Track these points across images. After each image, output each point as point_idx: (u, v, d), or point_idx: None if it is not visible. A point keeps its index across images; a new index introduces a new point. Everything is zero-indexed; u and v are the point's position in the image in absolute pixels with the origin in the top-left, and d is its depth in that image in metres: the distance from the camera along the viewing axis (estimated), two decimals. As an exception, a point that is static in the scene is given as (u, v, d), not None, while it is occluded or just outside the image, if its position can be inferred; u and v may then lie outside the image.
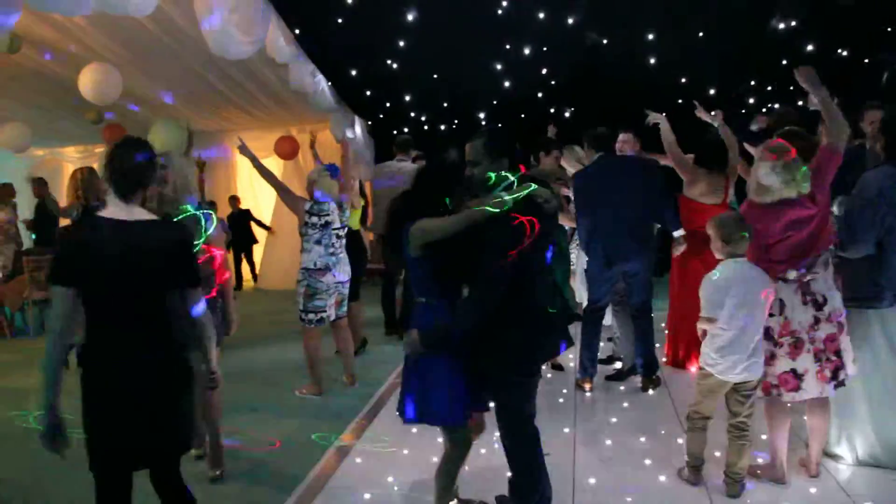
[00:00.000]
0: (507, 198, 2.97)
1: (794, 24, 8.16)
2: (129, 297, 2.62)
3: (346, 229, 5.87)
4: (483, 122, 10.74)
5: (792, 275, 3.66)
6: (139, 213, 2.71)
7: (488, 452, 4.26)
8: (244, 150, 5.71)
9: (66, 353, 2.63)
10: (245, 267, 12.81)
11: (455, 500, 3.62)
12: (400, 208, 3.23)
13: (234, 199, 12.22)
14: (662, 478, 3.99)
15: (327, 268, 5.61)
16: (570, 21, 8.19)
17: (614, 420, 4.96)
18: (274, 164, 11.72)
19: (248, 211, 12.32)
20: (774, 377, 3.72)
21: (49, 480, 4.23)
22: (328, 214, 5.61)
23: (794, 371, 3.67)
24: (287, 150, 10.97)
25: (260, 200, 12.66)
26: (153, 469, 2.84)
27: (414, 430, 4.75)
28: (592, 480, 3.99)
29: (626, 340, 5.85)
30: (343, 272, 5.77)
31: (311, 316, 5.62)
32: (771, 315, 3.69)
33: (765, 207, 3.67)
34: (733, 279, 3.60)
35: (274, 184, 5.74)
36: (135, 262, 2.60)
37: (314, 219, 5.57)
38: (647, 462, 4.22)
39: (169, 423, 2.73)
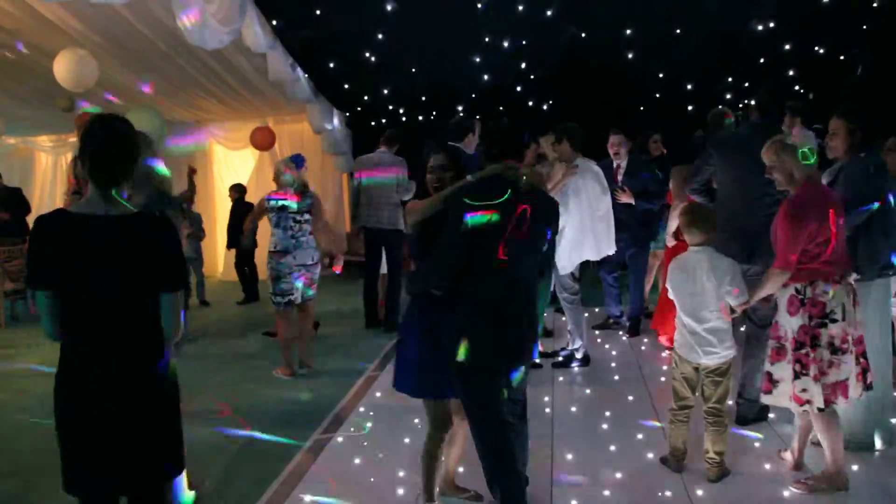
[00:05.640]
0: (469, 177, 3.28)
1: (771, 24, 8.22)
2: (108, 306, 2.31)
3: (308, 214, 5.98)
4: (461, 115, 10.73)
5: (853, 277, 3.64)
6: (119, 207, 2.34)
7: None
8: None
9: None
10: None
11: (452, 487, 3.68)
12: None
13: (239, 188, 10.19)
14: (638, 469, 4.02)
15: (286, 251, 5.86)
16: (549, 13, 8.21)
17: (590, 413, 4.97)
18: (250, 155, 11.63)
19: (251, 205, 9.62)
20: (831, 386, 3.54)
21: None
22: (284, 199, 5.90)
23: (848, 378, 3.56)
24: (263, 141, 10.88)
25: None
26: (129, 497, 2.52)
27: (393, 420, 4.75)
28: (569, 473, 4.00)
29: (576, 333, 6.01)
30: (306, 256, 5.93)
31: (278, 299, 5.93)
32: (834, 321, 3.54)
33: (813, 197, 3.60)
34: (682, 266, 3.83)
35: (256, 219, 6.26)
36: (113, 266, 2.29)
37: (271, 203, 5.91)
38: (624, 454, 4.23)
39: (154, 445, 2.43)
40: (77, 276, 2.28)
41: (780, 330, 3.69)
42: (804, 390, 3.56)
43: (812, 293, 3.56)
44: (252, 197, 10.28)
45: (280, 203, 5.87)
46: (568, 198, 5.59)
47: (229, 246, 10.35)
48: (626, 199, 6.63)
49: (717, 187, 4.79)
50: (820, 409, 3.55)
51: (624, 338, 6.93)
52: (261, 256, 10.05)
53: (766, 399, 3.79)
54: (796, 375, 3.58)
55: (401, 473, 4.05)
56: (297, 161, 6.06)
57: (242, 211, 9.90)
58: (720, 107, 6.64)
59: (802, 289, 3.59)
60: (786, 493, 3.68)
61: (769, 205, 4.24)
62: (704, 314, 3.74)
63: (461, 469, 3.93)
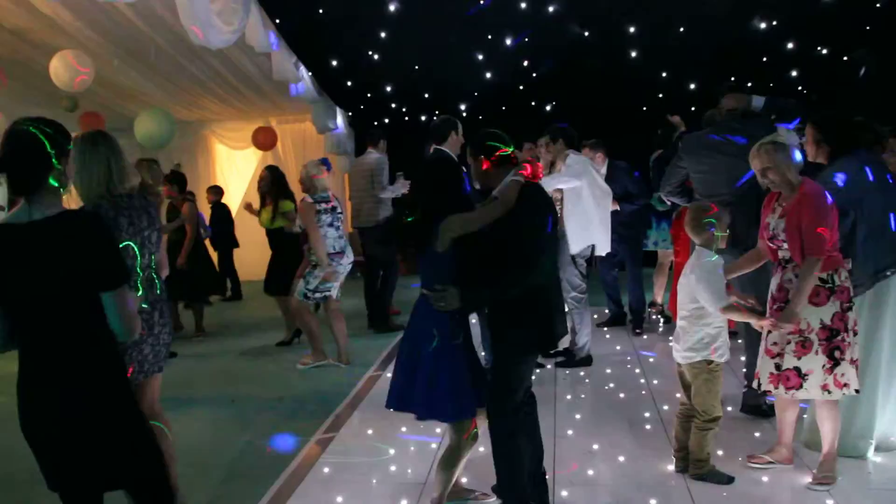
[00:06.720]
0: (518, 178, 3.17)
1: (774, 23, 8.22)
2: (47, 311, 2.27)
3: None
4: (464, 114, 10.71)
5: (849, 264, 3.70)
6: (44, 210, 2.25)
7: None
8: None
9: None
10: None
11: (459, 489, 3.65)
12: (432, 206, 3.32)
13: (216, 191, 10.32)
14: (641, 467, 4.01)
15: (343, 251, 6.06)
16: (551, 10, 8.21)
17: (592, 412, 4.98)
18: (252, 155, 11.63)
19: (227, 207, 10.33)
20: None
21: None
22: (332, 200, 6.12)
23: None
24: (266, 140, 10.90)
25: (234, 192, 11.78)
26: (132, 492, 2.51)
27: (393, 422, 4.76)
28: (572, 472, 3.99)
29: (581, 332, 6.04)
30: (351, 254, 6.21)
31: (316, 295, 6.10)
32: (850, 308, 3.61)
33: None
34: None
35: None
36: (42, 272, 2.21)
37: (322, 205, 6.02)
38: (626, 452, 4.22)
39: (112, 452, 2.36)
40: (11, 288, 2.26)
41: (802, 323, 3.60)
42: (843, 374, 3.58)
43: (839, 279, 3.60)
44: (250, 197, 10.32)
45: (332, 205, 6.08)
46: (581, 186, 5.77)
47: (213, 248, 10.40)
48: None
49: (693, 186, 4.90)
50: (857, 391, 3.62)
51: (627, 336, 6.96)
52: (242, 256, 10.23)
53: (799, 395, 3.70)
54: (836, 363, 3.57)
55: (403, 473, 4.07)
56: (328, 165, 6.28)
57: (221, 213, 10.08)
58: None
59: (829, 277, 3.59)
60: (786, 492, 3.68)
61: (747, 193, 4.34)
62: (680, 310, 3.83)
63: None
